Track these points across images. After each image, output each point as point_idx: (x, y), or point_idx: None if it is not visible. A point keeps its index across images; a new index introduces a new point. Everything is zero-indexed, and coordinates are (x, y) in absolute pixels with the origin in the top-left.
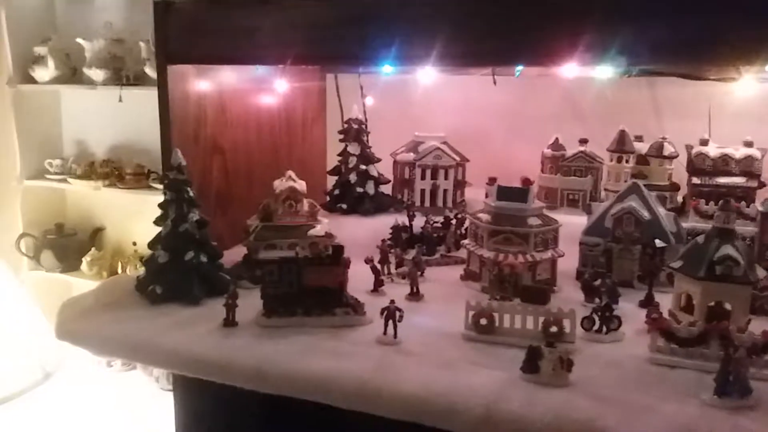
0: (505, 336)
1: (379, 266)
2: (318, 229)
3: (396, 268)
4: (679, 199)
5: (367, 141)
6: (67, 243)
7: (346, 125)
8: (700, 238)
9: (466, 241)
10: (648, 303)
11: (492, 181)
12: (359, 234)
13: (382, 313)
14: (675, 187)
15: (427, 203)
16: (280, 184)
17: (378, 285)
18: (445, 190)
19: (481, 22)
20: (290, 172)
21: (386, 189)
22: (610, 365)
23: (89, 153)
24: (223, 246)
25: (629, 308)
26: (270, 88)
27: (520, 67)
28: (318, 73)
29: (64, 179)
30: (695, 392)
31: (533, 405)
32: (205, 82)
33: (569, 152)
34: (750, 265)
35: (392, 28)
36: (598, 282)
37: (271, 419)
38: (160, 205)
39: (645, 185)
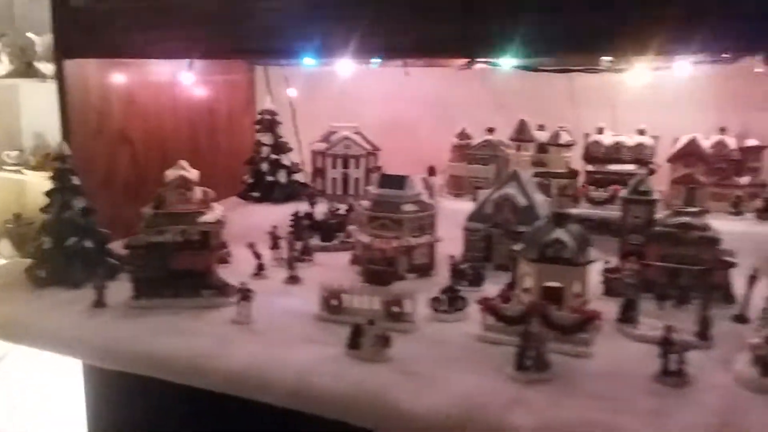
0: (353, 315)
1: (272, 251)
2: (209, 216)
3: (289, 254)
4: (580, 185)
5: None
6: (25, 232)
7: (259, 116)
8: (541, 222)
9: (352, 227)
10: (512, 286)
11: (377, 169)
12: (267, 221)
13: (235, 294)
14: (573, 174)
15: (339, 191)
16: (171, 173)
17: (259, 269)
18: (356, 179)
19: (395, 17)
20: (182, 162)
21: (307, 178)
22: (439, 343)
23: (47, 145)
24: (133, 233)
25: (496, 290)
26: (189, 80)
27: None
28: (245, 65)
29: (19, 170)
30: (503, 367)
31: (340, 378)
32: (112, 74)
33: (476, 141)
34: (581, 248)
35: (300, 23)
36: (465, 266)
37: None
38: (47, 194)
39: (544, 172)
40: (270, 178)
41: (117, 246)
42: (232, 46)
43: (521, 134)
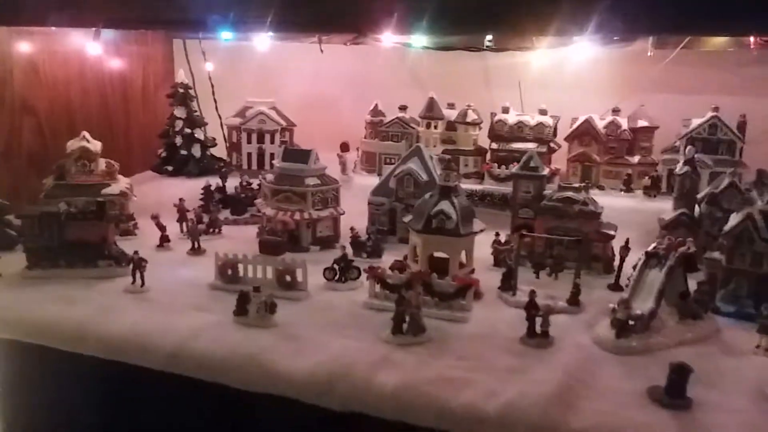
0: (248, 285)
1: (179, 224)
2: (112, 188)
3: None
4: (485, 163)
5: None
6: None
7: (172, 89)
8: (429, 195)
9: (258, 201)
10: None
11: (283, 143)
12: (179, 195)
13: (128, 264)
14: (480, 152)
15: (254, 166)
16: (72, 144)
17: (163, 241)
18: (271, 154)
19: None
20: (84, 133)
21: (222, 153)
22: (327, 309)
23: None
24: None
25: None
26: (97, 50)
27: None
28: (161, 38)
29: None
30: (382, 331)
31: (220, 343)
32: (14, 43)
33: (388, 118)
34: (465, 220)
35: None
36: (364, 237)
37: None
38: None
39: (453, 150)
40: (184, 152)
41: None
42: (143, 16)
43: (430, 112)
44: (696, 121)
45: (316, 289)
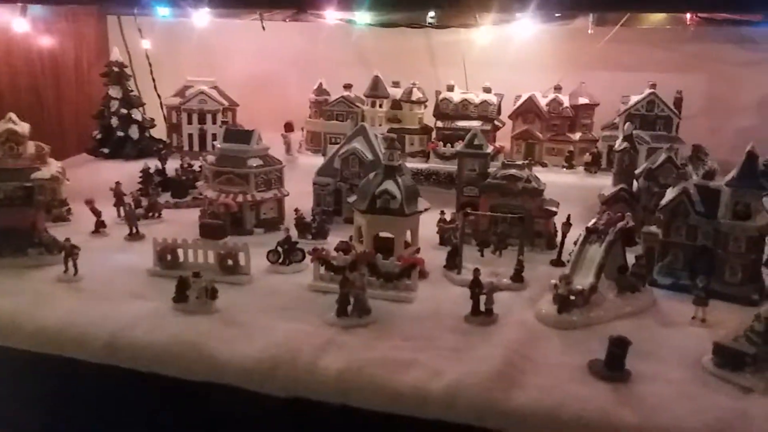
0: (188, 270)
1: (116, 208)
2: (44, 172)
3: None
4: (430, 141)
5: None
6: None
7: (107, 68)
8: (373, 175)
9: (200, 183)
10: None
11: (224, 123)
12: (116, 178)
13: (60, 251)
14: (426, 131)
15: (195, 147)
16: None
17: (99, 227)
18: (213, 135)
19: None
20: (11, 114)
21: (161, 134)
22: (271, 293)
23: None
24: None
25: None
26: (23, 27)
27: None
28: (94, 14)
29: None
30: (327, 314)
31: (158, 331)
32: None
33: (332, 97)
34: (410, 199)
35: None
36: (309, 219)
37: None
38: None
39: (398, 128)
40: (121, 134)
41: None
42: None
43: (375, 90)
44: (634, 98)
45: (259, 273)
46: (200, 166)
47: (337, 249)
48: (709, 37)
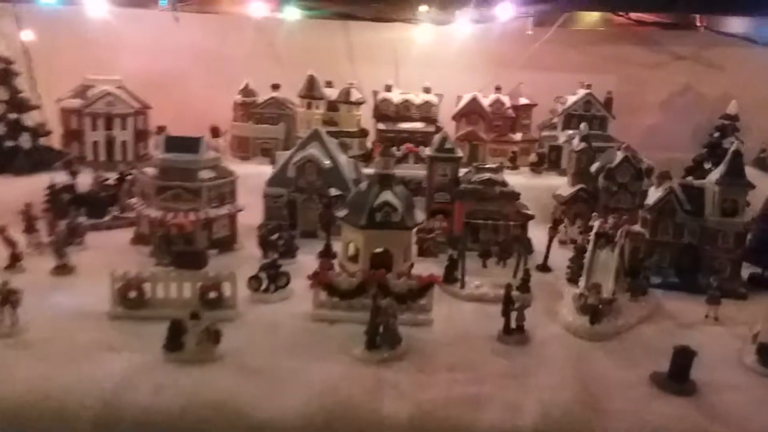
0: (159, 309)
1: (27, 235)
2: None
3: (49, 236)
4: (369, 144)
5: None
6: None
7: None
8: (364, 185)
9: (134, 200)
10: (326, 254)
11: (160, 129)
12: (10, 197)
13: None
14: (364, 133)
15: (102, 158)
16: None
17: (14, 260)
18: (123, 142)
19: None
20: None
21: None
22: (271, 328)
23: None
24: None
25: (310, 260)
26: None
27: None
28: None
29: None
30: (349, 347)
31: (162, 391)
32: None
33: (261, 98)
34: (409, 210)
35: None
36: (275, 236)
37: None
38: None
39: (335, 132)
40: (9, 144)
41: None
42: None
43: (311, 91)
44: (571, 98)
45: (243, 304)
46: (118, 180)
47: (321, 270)
48: (634, 39)
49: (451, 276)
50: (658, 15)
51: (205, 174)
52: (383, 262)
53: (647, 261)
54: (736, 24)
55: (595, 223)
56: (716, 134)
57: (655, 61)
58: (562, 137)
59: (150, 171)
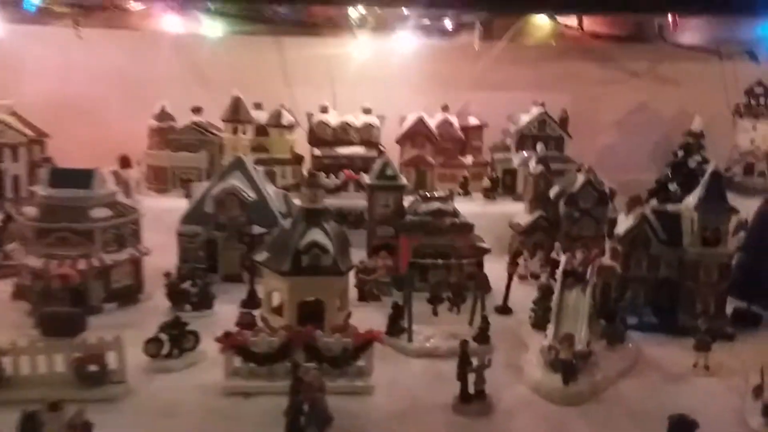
0: (25, 389)
1: None
2: None
3: None
4: (305, 172)
5: None
6: None
7: None
8: (287, 223)
9: (12, 246)
10: (250, 303)
11: (45, 161)
12: None
13: None
14: (298, 160)
15: None
16: None
17: None
18: (15, 176)
19: None
20: None
21: None
22: (167, 410)
23: None
24: None
25: (232, 311)
26: None
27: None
28: None
29: None
30: (268, 430)
31: None
32: None
33: (180, 123)
34: (342, 251)
35: None
36: (187, 283)
37: None
38: None
39: (265, 159)
40: None
41: None
42: None
43: (236, 114)
44: (524, 117)
45: (138, 375)
46: (3, 221)
47: (239, 325)
48: (588, 54)
49: (395, 326)
50: (611, 27)
51: (98, 213)
52: (314, 313)
53: (621, 300)
54: (694, 35)
55: (562, 260)
56: (680, 153)
57: (609, 78)
58: (516, 159)
59: (30, 211)
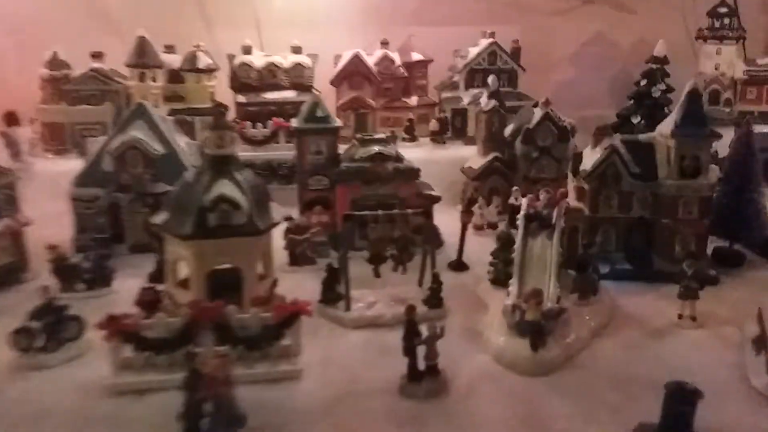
0: None
1: None
2: None
3: None
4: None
5: None
6: None
7: None
8: (190, 175)
9: None
10: (160, 276)
11: None
12: None
13: None
14: (221, 109)
15: None
16: None
17: None
18: None
19: None
20: None
21: None
22: (38, 418)
23: None
24: None
25: (137, 288)
26: None
27: None
28: None
29: None
30: None
31: None
32: None
33: (77, 72)
34: (260, 206)
35: None
36: (78, 258)
37: None
38: None
39: (181, 109)
40: None
41: None
42: None
43: (142, 57)
44: (473, 51)
45: (3, 375)
46: None
47: (140, 304)
48: None
49: (330, 293)
50: None
51: None
52: (230, 285)
53: (591, 247)
54: None
55: (523, 202)
56: (643, 82)
57: (562, 7)
58: (466, 98)
59: None
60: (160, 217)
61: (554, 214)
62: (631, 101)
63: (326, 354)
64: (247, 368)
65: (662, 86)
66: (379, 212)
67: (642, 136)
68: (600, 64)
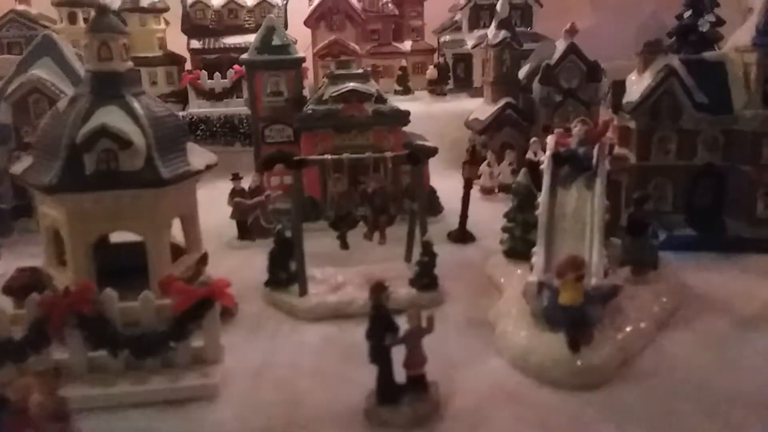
0: None
1: None
2: None
3: None
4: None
5: None
6: None
7: None
8: (63, 102)
9: None
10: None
11: None
12: None
13: None
14: (176, 60)
15: None
16: None
17: None
18: None
19: None
20: None
21: None
22: None
23: None
24: None
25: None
26: None
27: None
28: None
29: None
30: None
31: None
32: None
33: None
34: (165, 145)
35: None
36: None
37: None
38: None
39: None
40: None
41: None
42: None
43: None
44: None
45: None
46: None
47: (6, 289)
48: None
49: (279, 273)
50: None
51: None
52: (138, 265)
53: (643, 205)
54: None
55: (550, 141)
56: (687, 13)
57: None
58: (470, 41)
59: None
60: (22, 164)
61: (595, 152)
62: (673, 38)
63: (264, 361)
64: (134, 384)
65: (711, 17)
66: (345, 155)
67: (709, 54)
68: (626, 8)
